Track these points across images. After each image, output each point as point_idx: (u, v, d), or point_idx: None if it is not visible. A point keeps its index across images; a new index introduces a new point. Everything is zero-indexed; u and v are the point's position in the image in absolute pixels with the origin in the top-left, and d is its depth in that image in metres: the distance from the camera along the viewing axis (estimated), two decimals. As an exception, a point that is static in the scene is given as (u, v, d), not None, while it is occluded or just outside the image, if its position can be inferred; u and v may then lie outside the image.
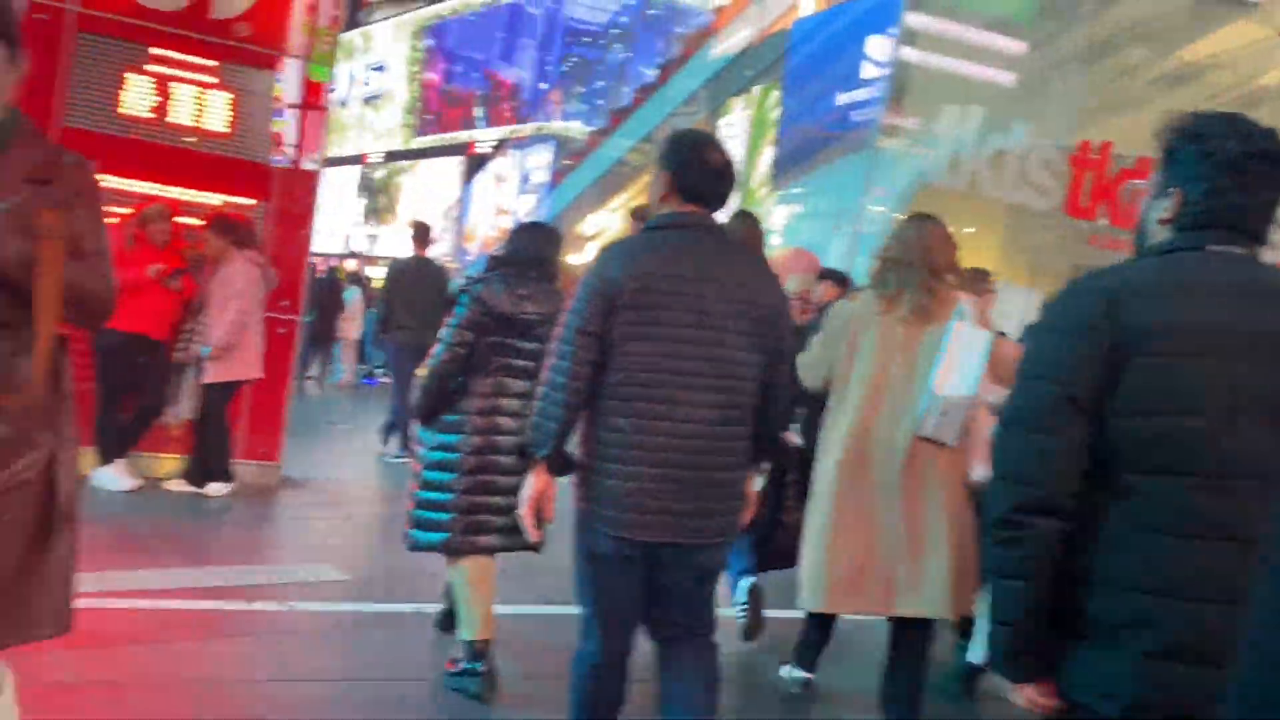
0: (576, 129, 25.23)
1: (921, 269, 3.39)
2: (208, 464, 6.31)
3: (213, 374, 6.21)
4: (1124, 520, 1.68)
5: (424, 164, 33.48)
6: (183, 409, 6.26)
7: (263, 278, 6.33)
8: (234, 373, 6.25)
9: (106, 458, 6.14)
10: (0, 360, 2.11)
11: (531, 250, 3.83)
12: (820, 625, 4.04)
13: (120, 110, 6.39)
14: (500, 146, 27.34)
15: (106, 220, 2.36)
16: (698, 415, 2.54)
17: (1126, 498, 1.68)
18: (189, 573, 4.66)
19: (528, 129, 28.80)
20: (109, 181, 6.40)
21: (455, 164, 32.16)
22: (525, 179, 27.75)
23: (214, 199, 6.63)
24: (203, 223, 6.37)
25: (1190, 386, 1.65)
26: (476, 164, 30.93)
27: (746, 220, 4.42)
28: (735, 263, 2.68)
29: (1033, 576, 1.70)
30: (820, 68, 13.96)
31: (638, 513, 2.55)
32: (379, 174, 33.21)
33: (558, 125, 27.21)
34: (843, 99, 13.35)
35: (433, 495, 3.69)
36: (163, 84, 6.48)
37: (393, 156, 34.25)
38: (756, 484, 2.84)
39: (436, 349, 3.66)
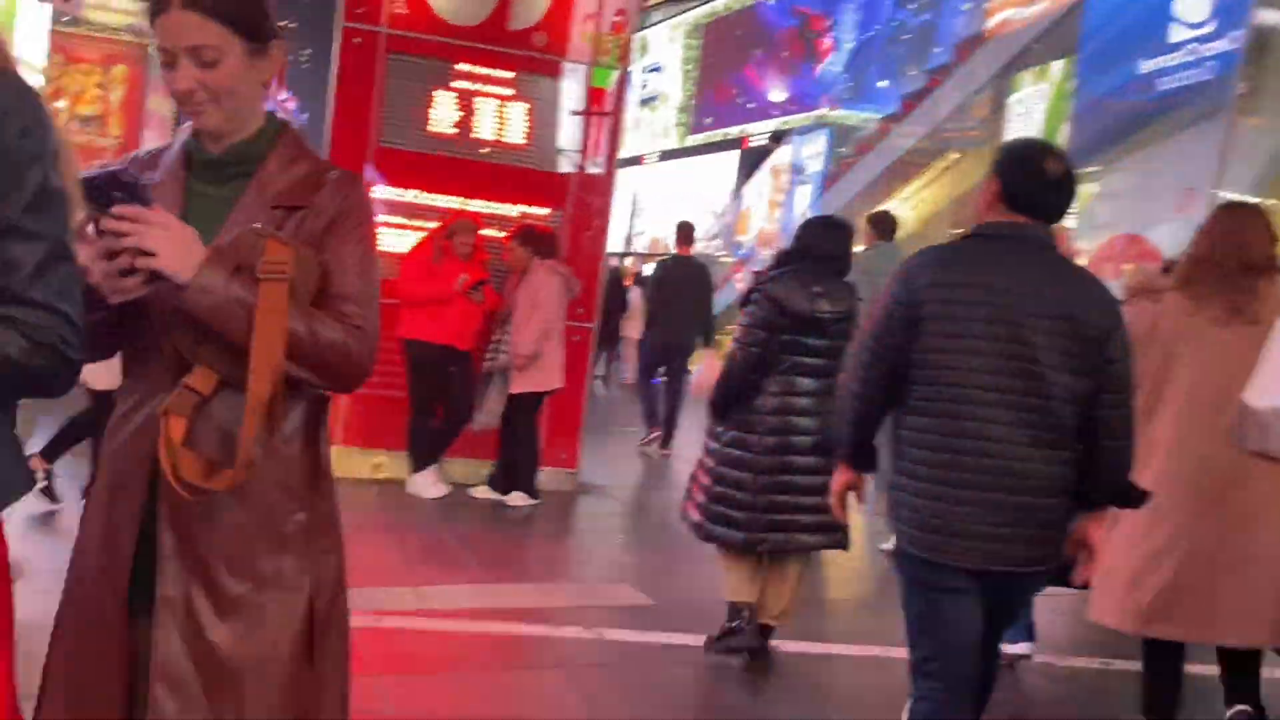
0: (856, 117, 24.40)
1: (1234, 265, 3.13)
2: (513, 474, 6.36)
3: (518, 384, 6.24)
4: None
5: (696, 160, 33.71)
6: (488, 418, 6.33)
7: (565, 287, 6.30)
8: (538, 383, 6.23)
9: (419, 464, 6.30)
10: (219, 429, 1.59)
11: (825, 246, 3.71)
12: (1162, 671, 3.28)
13: (428, 128, 6.56)
14: (780, 138, 26.87)
15: (375, 248, 1.75)
16: (1005, 434, 2.38)
17: None
18: (494, 590, 4.63)
19: (804, 118, 28.27)
20: (417, 198, 6.60)
21: (730, 159, 32.14)
22: (799, 169, 27.21)
23: (513, 210, 6.69)
24: (504, 234, 6.42)
25: None
26: (752, 157, 30.72)
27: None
28: (1059, 278, 2.48)
29: None
30: (1120, 34, 12.64)
31: (947, 535, 2.42)
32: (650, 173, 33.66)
33: (835, 114, 26.50)
34: (1147, 67, 12.05)
35: (728, 490, 3.67)
36: (465, 99, 6.59)
37: (667, 156, 34.73)
38: (1091, 531, 2.55)
39: (731, 347, 3.62)
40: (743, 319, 3.63)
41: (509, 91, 6.66)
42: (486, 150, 6.67)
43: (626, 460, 8.83)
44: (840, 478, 2.71)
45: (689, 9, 35.69)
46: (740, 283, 20.76)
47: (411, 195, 6.59)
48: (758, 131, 31.74)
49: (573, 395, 6.73)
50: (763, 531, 3.62)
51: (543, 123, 6.71)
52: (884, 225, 7.01)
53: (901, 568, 2.57)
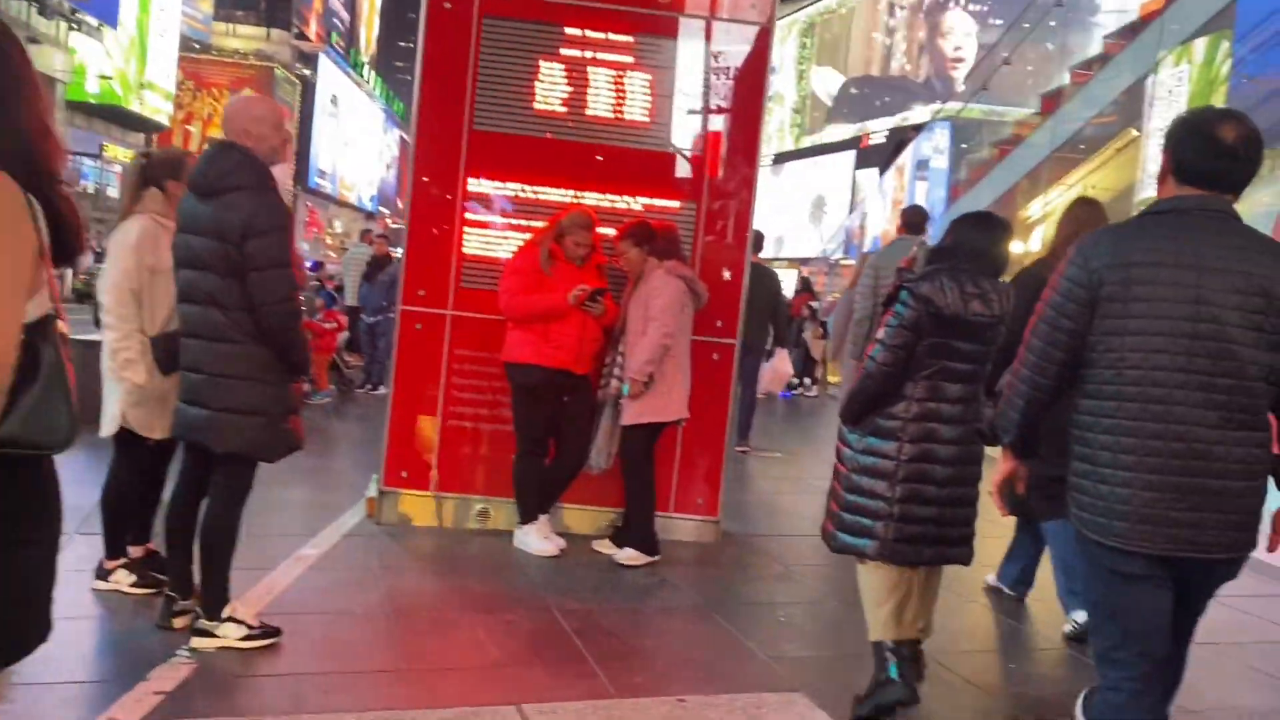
0: (977, 111, 22.56)
1: None
2: (628, 525, 5.08)
3: (630, 414, 4.94)
4: None
5: (815, 161, 32.09)
6: (599, 458, 5.06)
7: (688, 294, 4.97)
8: (655, 412, 4.94)
9: (527, 514, 5.08)
10: None
11: (979, 243, 3.39)
12: None
13: (533, 106, 5.33)
14: (901, 136, 25.16)
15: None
16: (1193, 416, 2.25)
17: None
18: (621, 710, 3.33)
19: (923, 113, 26.52)
20: (521, 191, 5.37)
21: (847, 159, 30.49)
22: (922, 164, 25.51)
23: (635, 203, 5.41)
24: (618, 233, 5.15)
25: None
26: (869, 156, 29.06)
27: (1086, 206, 4.37)
28: (1246, 250, 2.28)
29: None
30: None
31: (1132, 521, 2.29)
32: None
33: (953, 107, 24.72)
34: None
35: (862, 500, 3.40)
36: (577, 69, 5.34)
37: (781, 158, 33.21)
38: None
39: (874, 349, 3.33)
40: (889, 320, 3.31)
41: (628, 59, 5.38)
42: (611, 132, 5.40)
43: (764, 494, 7.45)
44: (1005, 466, 2.65)
45: (802, 7, 34.09)
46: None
47: (514, 189, 5.38)
48: (877, 129, 30.03)
49: (712, 426, 5.41)
50: (898, 542, 3.34)
51: (670, 96, 5.40)
52: (912, 220, 6.86)
53: (1084, 555, 2.45)
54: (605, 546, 5.11)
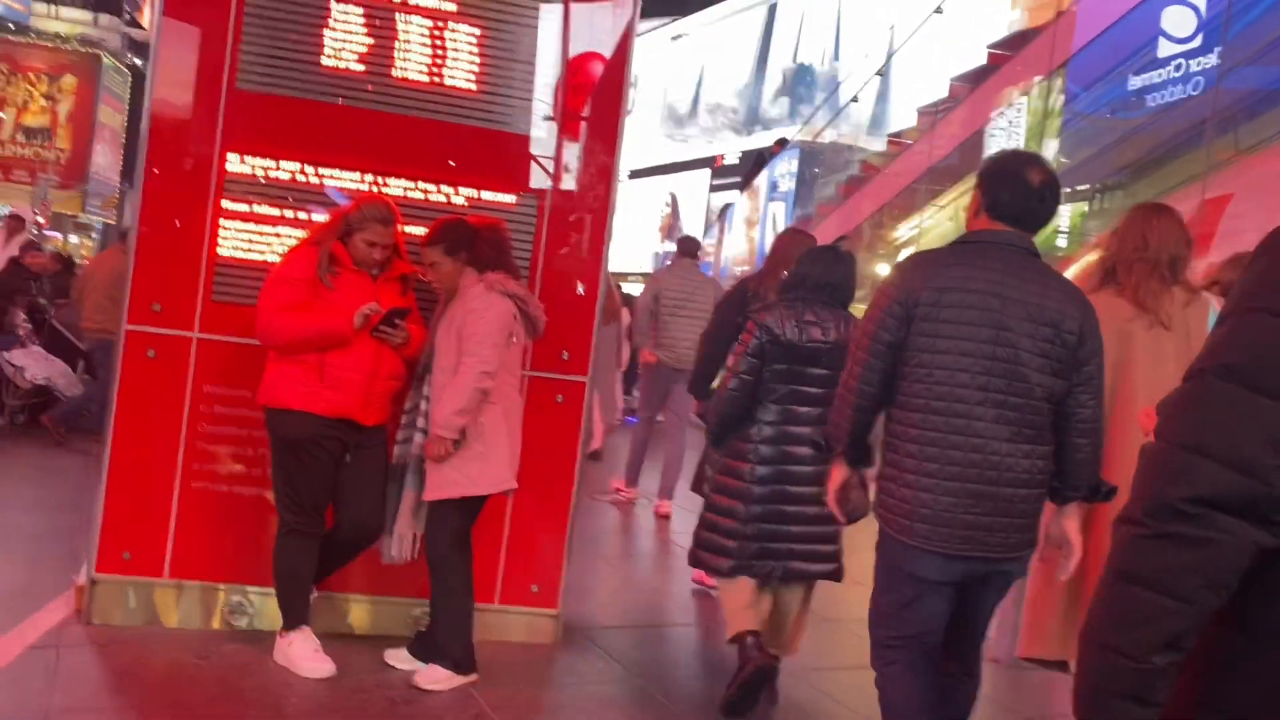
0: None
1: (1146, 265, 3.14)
2: (434, 631, 3.65)
3: (436, 485, 3.49)
4: None
5: (669, 179, 31.24)
6: (397, 547, 3.61)
7: (519, 318, 3.61)
8: (470, 482, 3.48)
9: (291, 620, 3.58)
10: None
11: (821, 274, 3.55)
12: None
13: (320, 62, 3.87)
14: (762, 154, 24.50)
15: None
16: (990, 430, 2.44)
17: None
18: None
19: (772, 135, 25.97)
20: (300, 173, 3.91)
21: (703, 177, 29.76)
22: (774, 186, 24.91)
23: (457, 195, 4.02)
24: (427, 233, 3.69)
25: None
26: (723, 175, 28.37)
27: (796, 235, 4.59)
28: (1045, 285, 2.50)
29: (1197, 598, 1.12)
30: (1109, 49, 10.52)
31: (932, 523, 2.47)
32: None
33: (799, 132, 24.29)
34: (1136, 82, 10.05)
35: (719, 518, 3.59)
36: (382, 15, 3.90)
37: (635, 175, 32.24)
38: (1069, 526, 2.59)
39: (729, 377, 3.52)
40: (737, 348, 3.55)
41: (452, 6, 3.99)
42: (423, 102, 3.98)
43: (615, 565, 6.14)
44: (837, 475, 2.75)
45: (669, 21, 33.27)
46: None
47: (291, 170, 3.90)
48: (731, 149, 29.39)
49: (554, 490, 4.05)
50: (751, 559, 3.53)
51: (506, 57, 4.04)
52: (686, 248, 7.33)
53: (883, 552, 2.61)
54: (401, 660, 3.66)
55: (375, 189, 3.90)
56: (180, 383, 3.83)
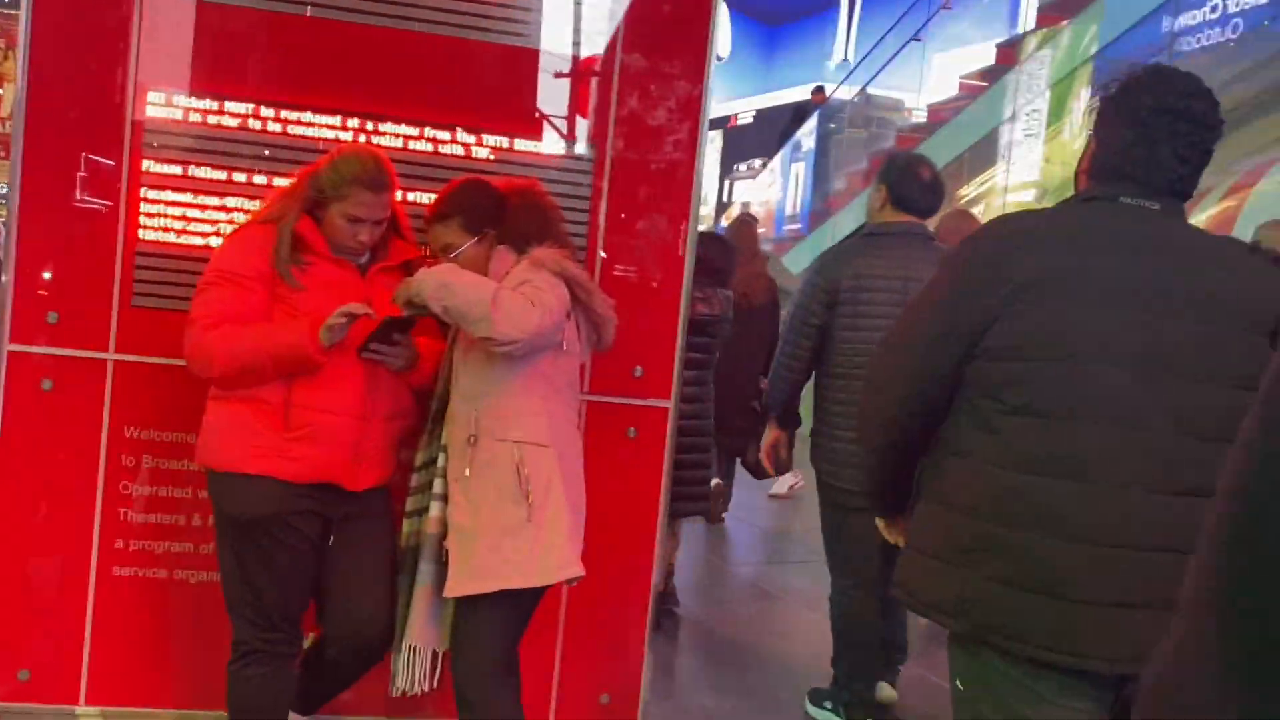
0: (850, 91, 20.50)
1: None
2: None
3: (466, 576, 2.24)
4: (984, 453, 1.61)
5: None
6: (410, 674, 2.36)
7: (578, 310, 2.35)
8: (518, 570, 2.23)
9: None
10: None
11: (706, 259, 3.38)
12: None
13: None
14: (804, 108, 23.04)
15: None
16: None
17: (990, 433, 1.60)
18: None
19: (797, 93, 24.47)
20: (249, 115, 2.68)
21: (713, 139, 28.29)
22: (796, 147, 23.43)
23: (480, 147, 2.77)
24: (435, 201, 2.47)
25: (1058, 331, 1.56)
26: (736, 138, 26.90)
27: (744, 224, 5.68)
28: (930, 262, 2.66)
29: (885, 467, 1.79)
30: None
31: (851, 467, 2.85)
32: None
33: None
34: (1168, 24, 8.74)
35: None
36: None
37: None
38: None
39: None
40: None
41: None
42: (416, 10, 2.71)
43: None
44: (771, 434, 3.32)
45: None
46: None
47: (239, 113, 2.66)
48: (745, 109, 27.88)
49: (629, 564, 2.84)
50: None
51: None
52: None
53: (821, 494, 3.11)
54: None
55: (361, 139, 2.66)
56: (91, 425, 2.62)
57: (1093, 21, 9.88)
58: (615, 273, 2.75)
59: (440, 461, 2.33)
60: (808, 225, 15.45)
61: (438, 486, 2.33)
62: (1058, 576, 1.55)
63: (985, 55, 12.86)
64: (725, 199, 25.34)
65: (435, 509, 2.33)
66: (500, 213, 2.34)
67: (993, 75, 11.73)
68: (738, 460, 4.95)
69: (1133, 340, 1.55)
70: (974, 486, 1.61)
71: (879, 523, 2.04)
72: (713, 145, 28.16)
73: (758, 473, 4.57)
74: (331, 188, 2.31)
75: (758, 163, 21.94)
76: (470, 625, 2.29)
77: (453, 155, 2.71)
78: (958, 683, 1.71)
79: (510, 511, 2.21)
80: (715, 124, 29.61)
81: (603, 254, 2.76)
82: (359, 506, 2.37)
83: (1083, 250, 1.60)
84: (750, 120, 27.04)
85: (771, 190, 20.89)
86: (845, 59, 23.06)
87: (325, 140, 2.65)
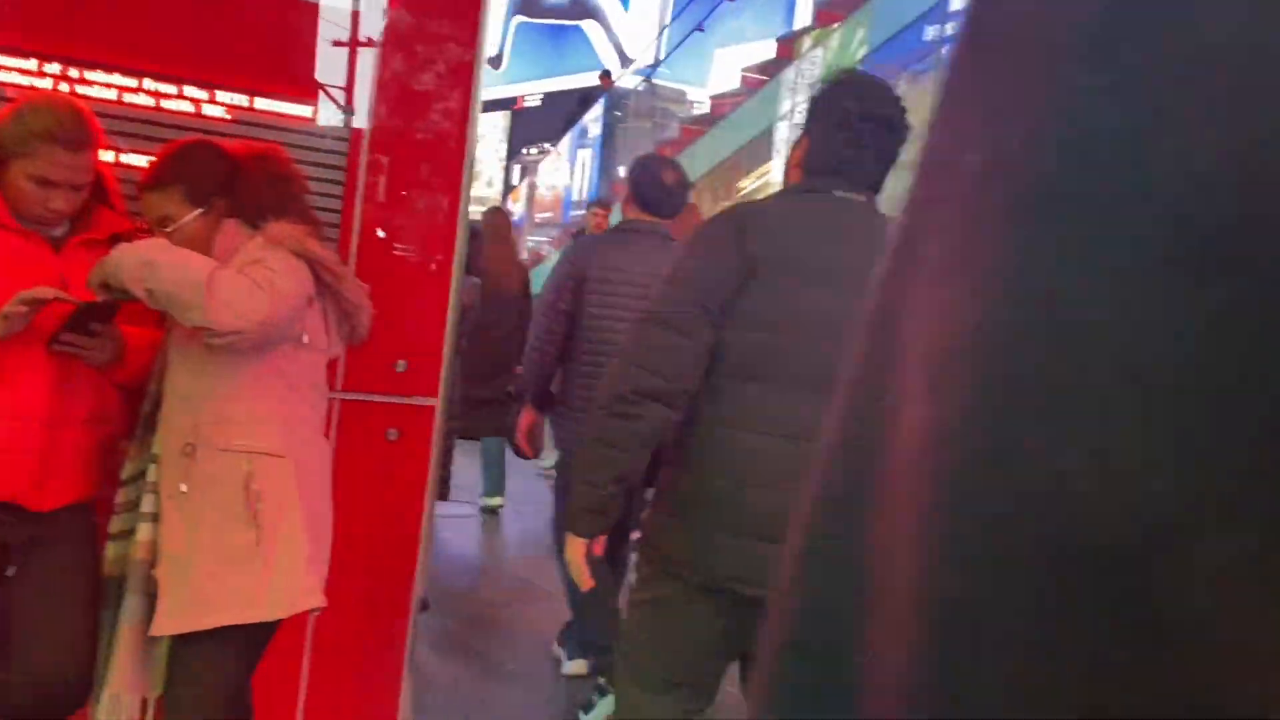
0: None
1: None
2: None
3: (179, 610, 1.88)
4: (715, 416, 1.79)
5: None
6: (108, 711, 2.00)
7: (325, 301, 2.05)
8: (244, 603, 1.89)
9: None
10: None
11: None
12: None
13: None
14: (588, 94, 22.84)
15: None
16: None
17: (719, 398, 1.79)
18: None
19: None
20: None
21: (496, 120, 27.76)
22: (583, 133, 23.33)
23: (213, 105, 2.38)
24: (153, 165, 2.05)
25: (777, 307, 1.77)
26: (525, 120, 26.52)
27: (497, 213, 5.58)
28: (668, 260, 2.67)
29: (634, 451, 1.82)
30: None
31: None
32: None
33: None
34: (931, 33, 9.43)
35: None
36: None
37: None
38: None
39: None
40: None
41: None
42: None
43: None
44: (526, 417, 3.40)
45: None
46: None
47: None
48: (533, 92, 27.53)
49: (386, 582, 2.54)
50: None
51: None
52: None
53: (559, 472, 3.27)
54: None
55: (59, 88, 2.22)
56: None
57: (861, 25, 10.21)
58: (374, 254, 2.44)
59: (151, 475, 1.96)
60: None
61: (147, 504, 1.95)
62: (771, 524, 1.72)
63: (766, 50, 13.17)
64: (513, 182, 24.94)
65: (144, 531, 1.95)
66: (231, 181, 1.99)
67: (773, 69, 11.98)
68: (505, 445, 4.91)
69: (839, 315, 1.71)
70: (702, 444, 1.81)
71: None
72: (499, 126, 27.67)
73: (520, 454, 4.56)
74: (15, 143, 1.89)
75: (549, 146, 21.65)
76: (188, 666, 1.94)
77: (178, 112, 2.31)
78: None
79: (236, 535, 1.87)
80: (501, 104, 28.99)
81: (381, 233, 2.44)
82: (48, 530, 1.96)
83: (804, 235, 1.81)
84: (539, 103, 26.70)
85: (559, 175, 20.69)
86: (621, 50, 23.11)
87: (16, 88, 2.19)
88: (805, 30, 12.31)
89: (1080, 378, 0.23)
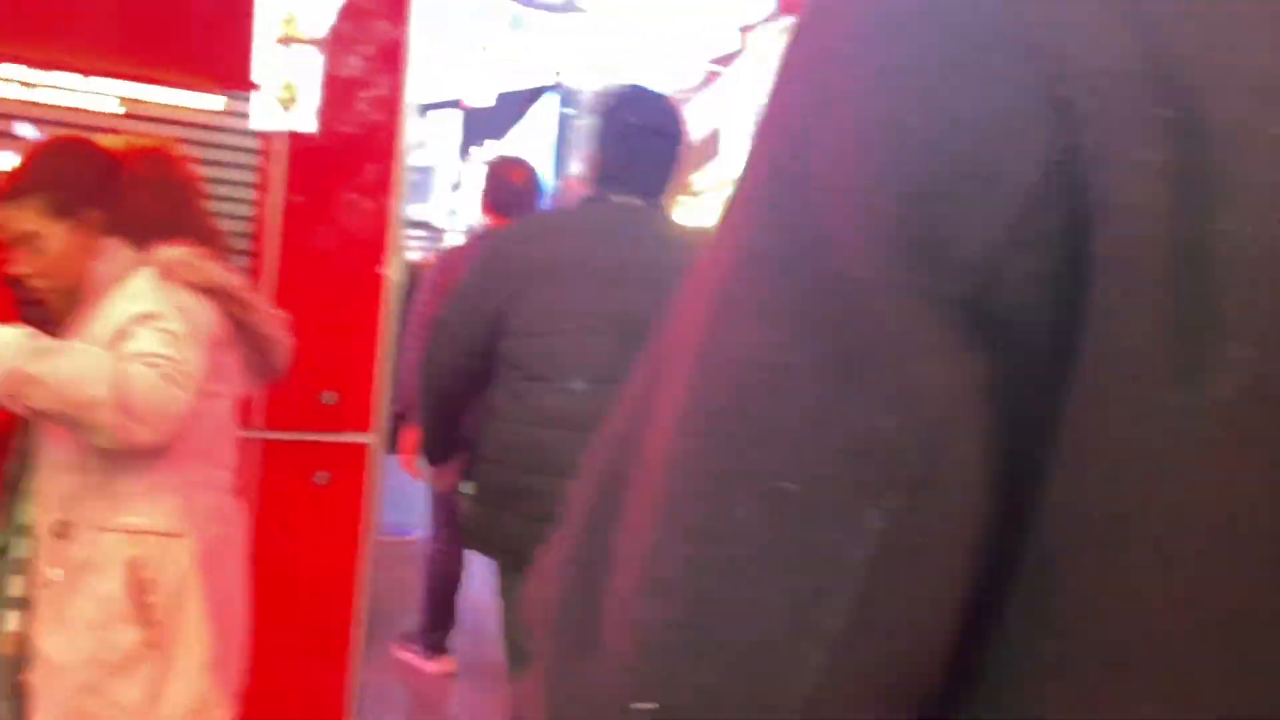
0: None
1: None
2: None
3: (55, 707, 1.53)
4: (513, 413, 1.86)
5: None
6: None
7: (233, 337, 1.65)
8: (132, 717, 1.52)
9: None
10: None
11: None
12: None
13: None
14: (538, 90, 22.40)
15: None
16: None
17: (516, 398, 1.86)
18: None
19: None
20: None
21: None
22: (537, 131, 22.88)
23: (104, 98, 2.01)
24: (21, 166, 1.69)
25: (560, 309, 1.84)
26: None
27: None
28: None
29: (436, 423, 2.02)
30: None
31: None
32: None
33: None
34: None
35: None
36: None
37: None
38: None
39: None
40: None
41: None
42: None
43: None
44: (412, 435, 3.19)
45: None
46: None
47: None
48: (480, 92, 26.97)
49: (321, 657, 2.18)
50: None
51: None
52: None
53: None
54: None
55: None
56: None
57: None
58: (294, 270, 2.08)
59: (19, 550, 1.58)
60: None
61: (15, 587, 1.58)
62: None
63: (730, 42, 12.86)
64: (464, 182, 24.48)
65: (11, 621, 1.58)
66: (108, 188, 1.61)
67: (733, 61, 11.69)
68: None
69: (610, 310, 1.80)
70: (506, 441, 1.87)
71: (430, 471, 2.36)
72: (450, 125, 27.13)
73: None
74: None
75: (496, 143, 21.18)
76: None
77: (49, 105, 1.93)
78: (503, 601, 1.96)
79: (120, 635, 1.51)
80: (449, 104, 28.71)
81: (301, 245, 2.07)
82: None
83: (579, 240, 1.89)
84: (494, 104, 26.09)
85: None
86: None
87: None
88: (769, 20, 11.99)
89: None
